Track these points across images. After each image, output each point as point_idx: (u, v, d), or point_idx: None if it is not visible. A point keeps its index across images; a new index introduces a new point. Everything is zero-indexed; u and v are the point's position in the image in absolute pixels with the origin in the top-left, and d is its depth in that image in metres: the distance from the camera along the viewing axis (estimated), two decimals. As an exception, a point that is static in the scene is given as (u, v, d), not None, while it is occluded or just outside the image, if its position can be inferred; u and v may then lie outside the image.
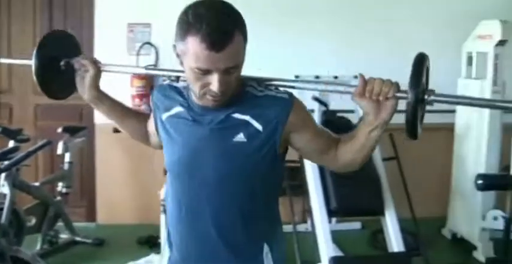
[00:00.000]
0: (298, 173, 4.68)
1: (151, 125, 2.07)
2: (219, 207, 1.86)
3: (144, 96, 5.40)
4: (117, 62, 4.84)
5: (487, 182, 4.11)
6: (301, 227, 5.01)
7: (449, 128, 5.40)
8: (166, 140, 1.92)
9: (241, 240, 1.90)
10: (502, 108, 1.51)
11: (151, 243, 5.02)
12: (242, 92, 1.81)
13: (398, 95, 1.69)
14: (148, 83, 5.41)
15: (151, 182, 5.17)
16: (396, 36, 5.67)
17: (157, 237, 4.85)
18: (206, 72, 1.67)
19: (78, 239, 5.06)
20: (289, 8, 5.60)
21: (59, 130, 5.01)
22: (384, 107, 1.70)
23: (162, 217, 4.40)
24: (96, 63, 2.05)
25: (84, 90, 2.06)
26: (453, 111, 5.31)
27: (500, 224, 4.51)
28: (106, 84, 2.19)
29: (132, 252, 4.85)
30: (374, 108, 1.71)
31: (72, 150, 5.10)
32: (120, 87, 5.35)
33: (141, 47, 5.55)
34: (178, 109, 1.88)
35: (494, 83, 4.81)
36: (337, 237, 4.47)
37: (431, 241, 5.19)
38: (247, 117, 1.78)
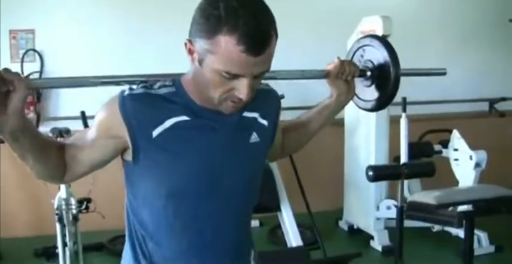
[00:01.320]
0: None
1: (95, 151, 1.62)
2: (242, 211, 1.76)
3: (31, 104, 5.28)
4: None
5: (377, 173, 4.22)
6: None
7: (340, 123, 5.51)
8: (164, 160, 1.57)
9: (245, 241, 1.82)
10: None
11: (47, 255, 4.86)
12: None
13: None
14: (34, 91, 5.28)
15: (42, 191, 4.98)
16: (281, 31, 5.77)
17: (54, 247, 4.70)
18: (234, 76, 1.46)
19: (-29, 254, 4.88)
20: None
21: None
22: (351, 86, 1.88)
23: (57, 226, 4.29)
24: (25, 80, 1.47)
25: (5, 117, 1.45)
26: (342, 106, 5.45)
27: (393, 213, 4.62)
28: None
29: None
30: (345, 88, 1.86)
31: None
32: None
33: (24, 53, 5.40)
34: (176, 119, 1.56)
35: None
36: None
37: (329, 233, 5.32)
38: (256, 115, 1.69)
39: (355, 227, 5.50)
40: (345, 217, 5.63)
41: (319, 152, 5.83)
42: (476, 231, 4.93)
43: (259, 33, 1.40)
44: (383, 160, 5.07)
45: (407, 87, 5.50)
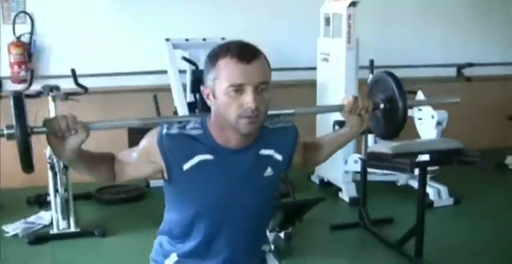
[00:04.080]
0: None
1: (138, 170, 1.97)
2: (253, 230, 2.06)
3: (23, 63, 5.59)
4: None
5: (341, 127, 4.57)
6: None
7: (312, 84, 5.87)
8: (192, 189, 1.90)
9: (258, 250, 2.16)
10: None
11: (40, 202, 5.24)
12: (261, 127, 1.91)
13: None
14: (26, 50, 5.60)
15: (35, 145, 5.31)
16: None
17: (46, 195, 5.07)
18: (239, 90, 1.73)
19: (-36, 204, 5.20)
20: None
21: None
22: (364, 119, 2.08)
23: (49, 174, 4.65)
24: (87, 129, 1.79)
25: (62, 152, 1.80)
26: (314, 69, 5.82)
27: (359, 166, 5.01)
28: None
29: (23, 212, 5.05)
30: (358, 121, 2.07)
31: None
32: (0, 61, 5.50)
33: (16, 15, 5.65)
34: (202, 157, 1.87)
35: (348, 40, 5.28)
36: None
37: (302, 187, 5.68)
38: (271, 152, 1.96)
39: (325, 180, 5.88)
40: (317, 171, 6.01)
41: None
42: (437, 185, 5.39)
43: (246, 48, 1.78)
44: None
45: (377, 52, 5.90)
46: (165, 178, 1.95)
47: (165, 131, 1.87)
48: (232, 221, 1.96)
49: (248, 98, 1.73)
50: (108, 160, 1.95)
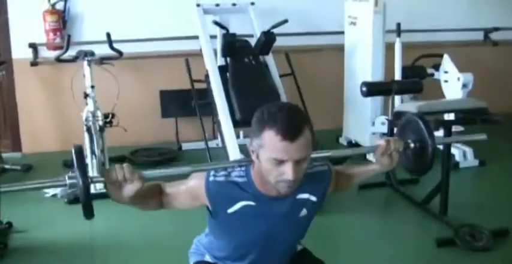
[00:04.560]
0: (205, 93, 5.20)
1: (184, 205, 2.10)
2: (287, 254, 2.28)
3: (58, 30, 5.75)
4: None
5: (370, 88, 4.67)
6: (212, 144, 5.60)
7: (340, 48, 5.96)
8: (234, 228, 2.08)
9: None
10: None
11: (77, 164, 5.41)
12: None
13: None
14: (60, 17, 5.76)
15: (70, 109, 5.51)
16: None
17: (82, 157, 5.24)
18: (281, 162, 1.83)
19: (7, 166, 5.40)
20: None
21: (-21, 64, 5.32)
22: (394, 160, 2.19)
23: (86, 136, 4.83)
24: (141, 179, 1.86)
25: (118, 198, 1.89)
26: (342, 33, 5.91)
27: (386, 128, 5.12)
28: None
29: (61, 174, 4.99)
30: (389, 161, 2.17)
31: (-7, 84, 5.43)
32: (34, 23, 5.67)
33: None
34: (245, 203, 2.02)
35: (375, 3, 5.36)
36: (244, 150, 4.98)
37: (330, 148, 5.78)
38: (307, 195, 2.10)
39: (353, 141, 6.01)
40: (345, 133, 6.15)
41: (321, 74, 6.34)
42: (462, 147, 5.47)
43: (292, 125, 1.82)
44: (379, 80, 5.50)
45: (404, 15, 5.95)
46: (210, 210, 2.10)
47: (211, 178, 2.01)
48: (269, 252, 2.17)
49: (288, 171, 1.84)
50: (156, 194, 2.08)
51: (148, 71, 6.06)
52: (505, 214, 4.38)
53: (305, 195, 2.09)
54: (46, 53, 5.85)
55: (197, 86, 5.39)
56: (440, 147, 5.28)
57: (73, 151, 1.81)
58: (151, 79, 6.08)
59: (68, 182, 1.78)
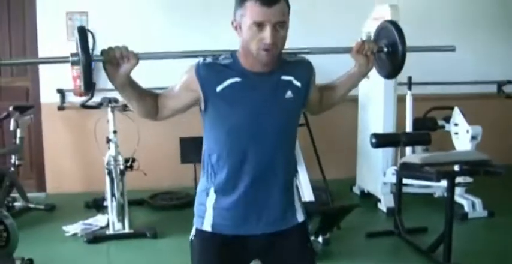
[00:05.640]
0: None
1: (178, 100, 2.27)
2: (278, 150, 2.29)
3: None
4: (58, 47, 5.52)
5: (379, 140, 4.85)
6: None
7: (354, 99, 6.12)
8: (224, 108, 2.20)
9: (286, 187, 2.38)
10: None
11: (97, 206, 5.63)
12: (279, 59, 2.25)
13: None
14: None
15: (93, 152, 5.76)
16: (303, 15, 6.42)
17: (103, 199, 5.47)
18: (260, 26, 2.08)
19: (31, 205, 5.67)
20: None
21: (10, 108, 5.61)
22: (370, 60, 2.39)
23: (107, 180, 5.03)
24: (136, 55, 2.15)
25: (116, 77, 2.13)
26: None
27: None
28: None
29: (81, 214, 5.47)
30: (365, 61, 2.38)
31: (22, 127, 5.69)
32: (62, 70, 5.85)
33: (79, 33, 6.05)
34: (233, 80, 2.19)
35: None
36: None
37: (344, 197, 6.02)
38: (291, 78, 2.28)
39: (365, 191, 6.17)
40: (358, 183, 6.31)
41: (335, 125, 6.50)
42: (471, 198, 5.60)
43: None
44: (390, 131, 5.66)
45: (416, 68, 6.15)
46: (201, 109, 2.26)
47: (201, 61, 2.23)
48: (260, 138, 2.24)
49: (266, 35, 2.08)
50: (153, 94, 2.30)
51: (169, 119, 6.26)
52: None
53: (289, 77, 2.27)
54: (72, 98, 6.15)
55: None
56: (458, 200, 5.46)
57: (76, 31, 2.11)
58: (171, 126, 6.26)
59: (70, 59, 2.08)
